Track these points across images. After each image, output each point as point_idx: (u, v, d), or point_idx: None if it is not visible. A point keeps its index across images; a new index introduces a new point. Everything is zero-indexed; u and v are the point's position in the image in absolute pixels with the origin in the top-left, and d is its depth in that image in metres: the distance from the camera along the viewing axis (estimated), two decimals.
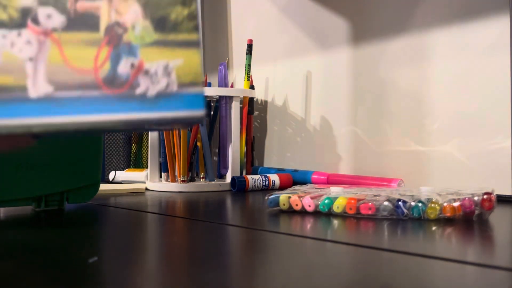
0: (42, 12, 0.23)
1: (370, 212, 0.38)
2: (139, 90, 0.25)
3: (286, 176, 0.65)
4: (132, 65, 0.25)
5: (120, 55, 0.25)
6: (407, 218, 0.37)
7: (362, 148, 0.67)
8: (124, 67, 0.25)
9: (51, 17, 0.23)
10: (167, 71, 0.26)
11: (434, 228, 0.33)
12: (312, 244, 0.28)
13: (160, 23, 0.26)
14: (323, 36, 0.73)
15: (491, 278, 0.21)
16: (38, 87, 0.23)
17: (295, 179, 0.67)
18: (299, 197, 0.41)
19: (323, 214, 0.40)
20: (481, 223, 0.35)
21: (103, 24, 0.24)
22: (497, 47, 0.54)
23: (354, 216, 0.39)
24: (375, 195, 0.39)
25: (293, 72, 0.78)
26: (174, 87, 0.26)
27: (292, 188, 0.46)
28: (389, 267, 0.23)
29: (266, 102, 0.83)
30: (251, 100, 0.77)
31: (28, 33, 0.23)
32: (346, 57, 0.70)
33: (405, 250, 0.26)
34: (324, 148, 0.72)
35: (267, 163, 0.82)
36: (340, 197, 0.39)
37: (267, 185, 0.63)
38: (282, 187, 0.64)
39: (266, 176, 0.64)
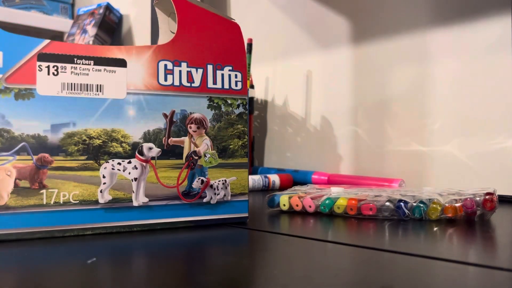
0: (146, 146, 0.33)
1: (371, 213, 0.37)
2: (205, 199, 0.35)
3: (286, 176, 0.64)
4: (202, 182, 0.35)
5: (195, 175, 0.35)
6: (408, 218, 0.36)
7: (363, 148, 0.66)
8: (196, 183, 0.35)
9: (151, 150, 0.33)
10: (225, 185, 0.35)
11: (435, 228, 0.33)
12: (312, 245, 0.28)
13: (223, 151, 0.36)
14: (323, 36, 0.72)
15: (493, 279, 0.21)
16: (139, 199, 0.33)
17: (295, 179, 0.67)
18: (300, 197, 0.40)
19: (324, 215, 0.39)
20: (483, 224, 0.35)
21: (185, 153, 0.34)
22: (498, 46, 0.53)
23: (355, 217, 0.38)
24: (376, 196, 0.39)
25: (293, 72, 0.77)
26: (229, 197, 0.36)
27: (293, 188, 0.45)
28: (390, 268, 0.23)
29: (266, 102, 0.82)
30: (251, 99, 0.76)
31: (135, 161, 0.33)
32: (347, 57, 0.69)
33: (406, 251, 0.26)
34: (325, 148, 0.71)
35: (267, 163, 0.81)
36: (341, 198, 0.38)
37: (267, 185, 0.62)
38: (282, 187, 0.63)
39: (266, 176, 0.63)
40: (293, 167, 0.75)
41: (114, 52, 0.32)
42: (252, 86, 0.77)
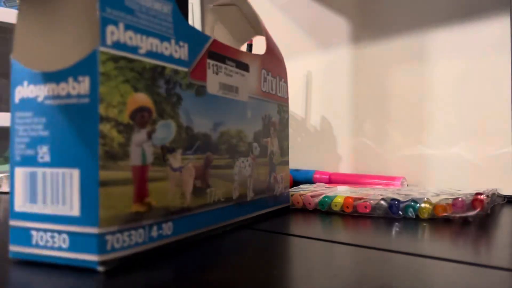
0: (254, 145, 0.35)
1: (366, 211, 0.38)
2: (275, 192, 0.40)
3: None
4: (274, 177, 0.39)
5: (271, 171, 0.39)
6: (401, 217, 0.37)
7: (363, 149, 0.67)
8: (272, 178, 0.39)
9: (256, 149, 0.36)
10: (281, 180, 0.41)
11: (424, 226, 0.33)
12: (312, 244, 0.28)
13: (282, 151, 0.41)
14: (323, 36, 0.72)
15: (490, 279, 0.21)
16: (250, 194, 0.35)
17: (297, 179, 0.66)
18: (301, 195, 0.42)
19: (322, 213, 0.40)
20: (477, 223, 0.34)
21: (268, 152, 0.38)
22: (498, 47, 0.54)
23: (351, 214, 0.39)
24: (376, 194, 0.39)
25: (293, 72, 0.76)
26: (282, 190, 0.42)
27: (299, 186, 0.48)
28: (387, 266, 0.23)
29: None
30: None
31: (250, 159, 0.35)
32: (347, 57, 0.69)
33: (398, 249, 0.26)
34: (325, 148, 0.71)
35: None
36: (338, 196, 0.40)
37: None
38: None
39: None
40: (293, 167, 0.74)
41: (244, 56, 0.34)
42: None
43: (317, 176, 0.66)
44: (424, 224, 0.34)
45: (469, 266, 0.23)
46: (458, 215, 0.35)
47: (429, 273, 0.22)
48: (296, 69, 0.77)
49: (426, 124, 0.61)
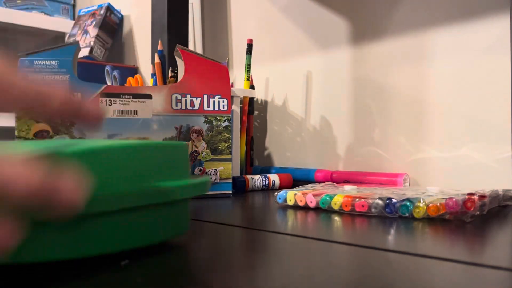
0: None
1: (363, 210, 0.39)
2: None
3: (286, 176, 0.66)
4: (200, 170, 0.54)
5: (195, 166, 0.54)
6: (395, 216, 0.37)
7: (363, 149, 0.67)
8: (197, 171, 0.54)
9: None
10: (215, 173, 0.55)
11: (418, 226, 0.33)
12: (312, 244, 0.28)
13: (214, 151, 0.55)
14: (323, 36, 0.73)
15: (484, 277, 0.21)
16: None
17: (297, 177, 0.68)
18: (304, 194, 0.43)
19: (322, 212, 0.41)
20: (473, 224, 0.34)
21: (189, 152, 0.54)
22: (497, 47, 0.54)
23: (350, 213, 0.40)
24: (377, 193, 0.40)
25: (293, 72, 0.77)
26: (218, 180, 0.55)
27: (304, 185, 0.50)
28: (383, 266, 0.23)
29: (266, 102, 0.83)
30: (251, 100, 0.75)
31: None
32: (346, 57, 0.69)
33: (393, 248, 0.27)
34: (324, 148, 0.72)
35: (267, 163, 0.82)
36: (338, 195, 0.41)
37: (267, 185, 0.63)
38: (282, 187, 0.64)
39: (266, 176, 0.63)
40: (294, 167, 0.77)
41: (145, 90, 0.52)
42: (252, 87, 0.76)
43: (319, 174, 0.67)
44: (419, 224, 0.35)
45: (466, 266, 0.23)
46: (452, 215, 0.35)
47: (426, 272, 0.22)
48: (296, 69, 0.78)
49: (426, 123, 0.61)
